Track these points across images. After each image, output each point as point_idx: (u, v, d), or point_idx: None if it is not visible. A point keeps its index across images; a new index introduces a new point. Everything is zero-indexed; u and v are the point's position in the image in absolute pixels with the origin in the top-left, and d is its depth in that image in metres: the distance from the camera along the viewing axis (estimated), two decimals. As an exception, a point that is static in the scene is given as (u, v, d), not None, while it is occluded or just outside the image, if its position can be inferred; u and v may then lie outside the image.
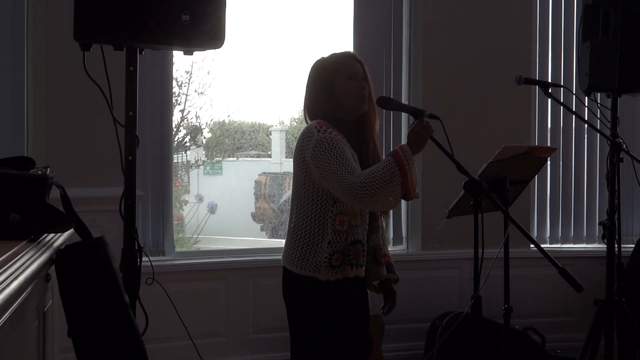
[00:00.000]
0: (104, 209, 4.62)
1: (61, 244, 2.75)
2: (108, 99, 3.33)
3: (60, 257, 2.70)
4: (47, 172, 2.75)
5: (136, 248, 3.37)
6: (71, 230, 2.84)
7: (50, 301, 2.86)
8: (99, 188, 4.90)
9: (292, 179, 3.68)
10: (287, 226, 3.55)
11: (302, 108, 3.69)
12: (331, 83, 3.56)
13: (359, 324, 3.66)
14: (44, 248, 2.53)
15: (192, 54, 3.49)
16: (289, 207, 3.59)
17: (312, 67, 3.68)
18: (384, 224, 3.84)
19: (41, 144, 4.98)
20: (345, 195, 3.36)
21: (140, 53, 3.43)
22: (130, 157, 3.38)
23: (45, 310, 2.75)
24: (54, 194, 2.81)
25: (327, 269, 3.45)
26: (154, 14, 3.17)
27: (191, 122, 9.95)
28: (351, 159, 3.41)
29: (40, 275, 2.53)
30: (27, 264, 2.24)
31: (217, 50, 3.48)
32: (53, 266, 2.71)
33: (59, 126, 4.99)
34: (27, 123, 5.00)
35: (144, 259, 3.40)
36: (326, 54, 3.68)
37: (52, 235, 2.72)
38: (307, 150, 3.43)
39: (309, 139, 3.44)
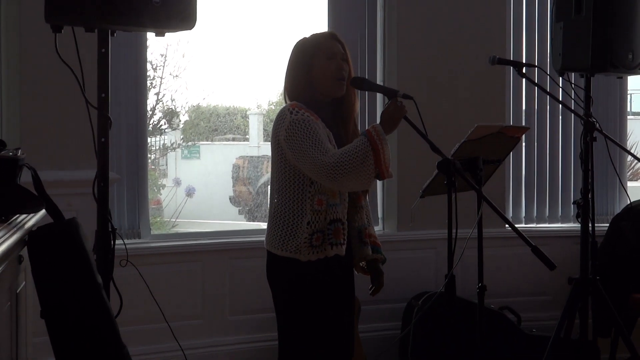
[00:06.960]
0: (79, 192, 4.60)
1: (33, 225, 2.74)
2: (80, 81, 3.32)
3: (32, 238, 2.69)
4: (18, 154, 2.75)
5: (110, 230, 3.37)
6: (43, 212, 2.84)
7: (23, 283, 2.85)
8: (74, 171, 4.88)
9: (270, 162, 3.68)
10: (264, 209, 3.56)
11: (282, 89, 3.69)
12: (310, 63, 3.57)
13: (343, 302, 3.67)
14: (15, 229, 2.52)
15: (163, 35, 3.48)
16: (267, 190, 3.60)
17: (293, 48, 3.68)
18: (368, 204, 3.85)
19: (15, 126, 4.95)
20: (319, 176, 3.37)
21: (112, 35, 3.41)
22: (102, 139, 3.37)
23: (17, 291, 2.74)
24: (26, 177, 2.81)
25: (307, 249, 3.46)
26: (125, -5, 3.16)
27: (167, 105, 9.93)
28: (325, 139, 3.41)
29: (11, 257, 2.52)
30: (-4, 245, 2.24)
31: (191, 32, 3.48)
32: (26, 248, 2.71)
33: (33, 109, 4.96)
34: (1, 106, 4.97)
35: (118, 241, 3.40)
36: (308, 35, 3.68)
37: (23, 216, 2.72)
38: (280, 132, 3.45)
39: (282, 121, 3.46)
